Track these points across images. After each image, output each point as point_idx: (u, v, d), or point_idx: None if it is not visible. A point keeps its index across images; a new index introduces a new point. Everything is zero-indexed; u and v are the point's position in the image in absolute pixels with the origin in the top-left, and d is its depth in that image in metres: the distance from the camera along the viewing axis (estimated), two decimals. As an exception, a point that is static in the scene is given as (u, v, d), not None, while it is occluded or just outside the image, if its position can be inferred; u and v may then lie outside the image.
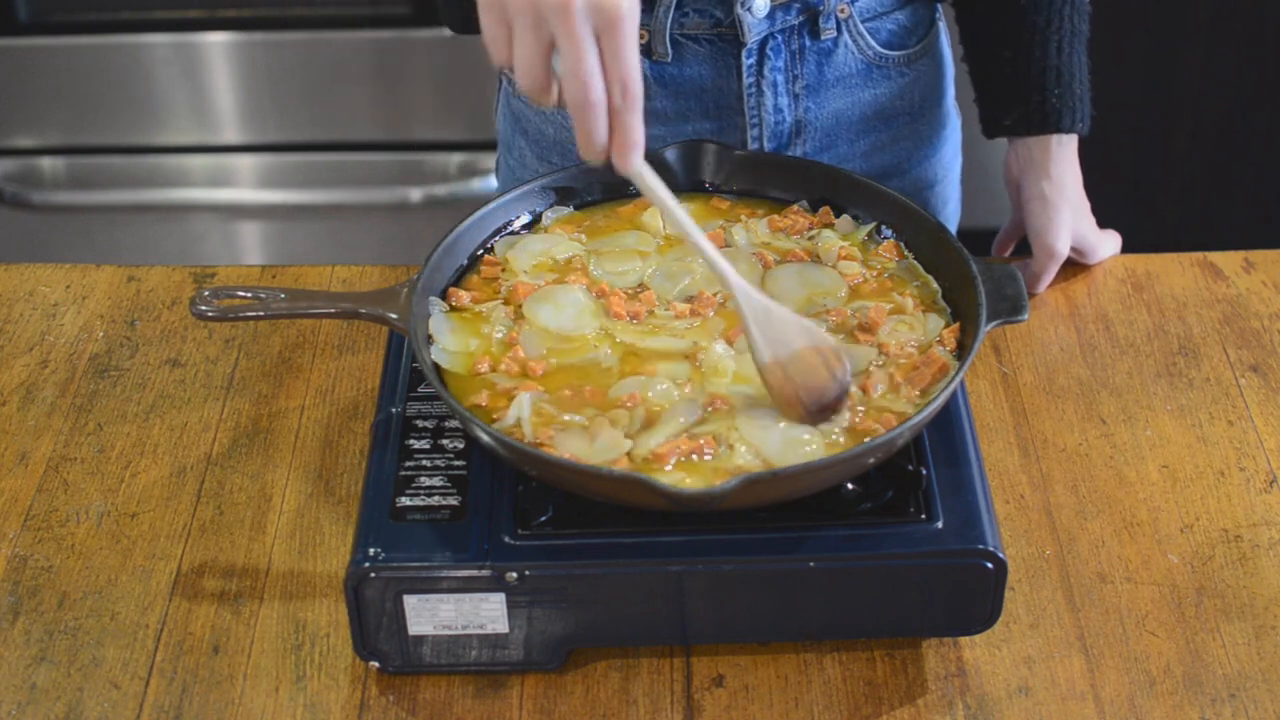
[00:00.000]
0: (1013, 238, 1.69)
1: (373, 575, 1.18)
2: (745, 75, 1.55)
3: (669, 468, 1.18)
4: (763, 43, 1.54)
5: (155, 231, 2.99)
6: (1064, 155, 1.58)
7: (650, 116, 1.56)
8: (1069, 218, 1.58)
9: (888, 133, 1.64)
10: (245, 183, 2.96)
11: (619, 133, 1.14)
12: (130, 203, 2.96)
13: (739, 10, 1.51)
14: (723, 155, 1.46)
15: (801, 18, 1.54)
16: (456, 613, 1.20)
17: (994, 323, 1.27)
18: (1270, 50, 2.79)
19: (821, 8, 1.53)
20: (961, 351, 1.28)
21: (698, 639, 1.25)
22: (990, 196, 2.24)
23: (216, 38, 2.83)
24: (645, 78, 1.54)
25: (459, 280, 1.37)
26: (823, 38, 1.55)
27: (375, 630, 1.21)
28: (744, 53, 1.54)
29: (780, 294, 1.34)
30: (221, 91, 2.88)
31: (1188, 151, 2.88)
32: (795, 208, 1.43)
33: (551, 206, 1.43)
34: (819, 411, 1.21)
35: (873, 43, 1.58)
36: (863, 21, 1.56)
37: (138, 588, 1.31)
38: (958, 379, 1.23)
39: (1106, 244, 1.63)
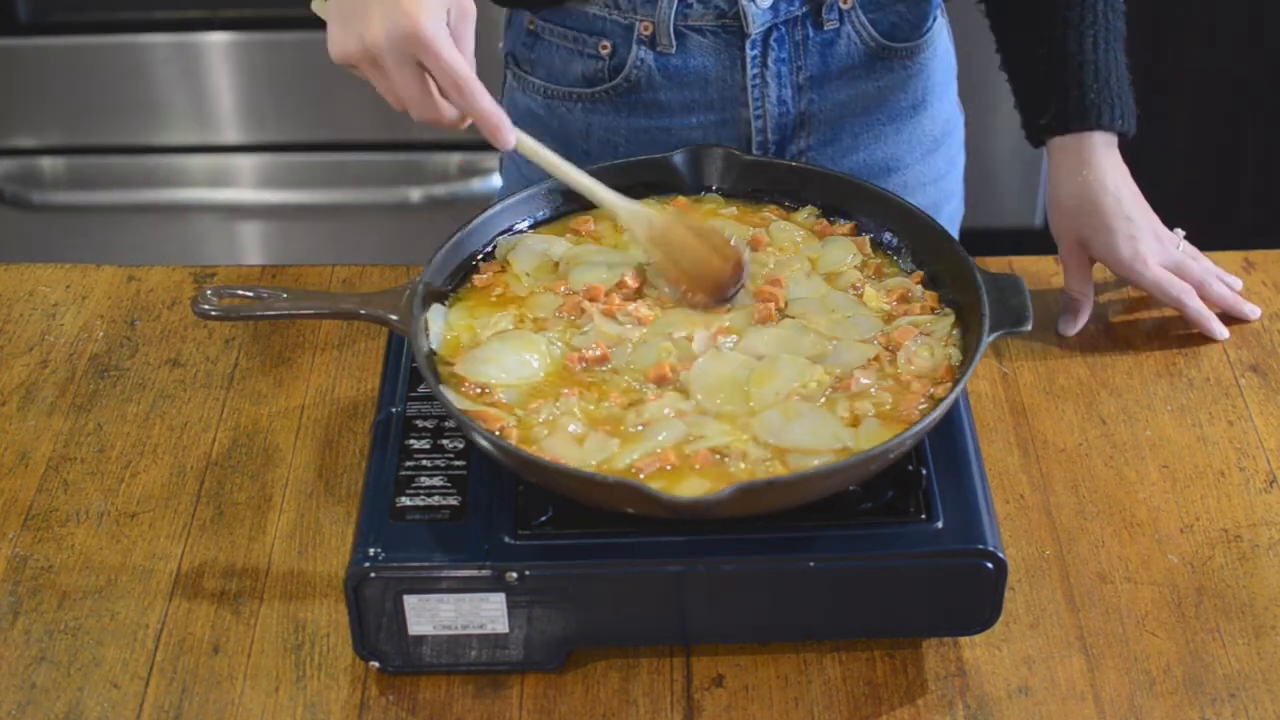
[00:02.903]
0: (1081, 294, 1.57)
1: (373, 575, 1.18)
2: (749, 67, 1.55)
3: (643, 476, 1.18)
4: (766, 34, 1.54)
5: (155, 231, 2.99)
6: (1111, 161, 1.52)
7: (654, 108, 1.57)
8: (1147, 231, 1.53)
9: (890, 126, 1.64)
10: (245, 183, 2.96)
11: (478, 121, 1.28)
12: (130, 203, 2.95)
13: (742, 1, 1.51)
14: (730, 159, 1.46)
15: (805, 8, 1.54)
16: (456, 613, 1.20)
17: (996, 333, 1.26)
18: (1270, 50, 2.79)
19: None
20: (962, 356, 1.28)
21: (698, 639, 1.25)
22: (992, 196, 2.25)
23: (216, 38, 2.83)
24: (649, 69, 1.55)
25: (461, 281, 1.37)
26: (825, 28, 1.56)
27: (375, 630, 1.21)
28: (748, 44, 1.54)
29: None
30: (221, 91, 2.88)
31: (1188, 151, 2.88)
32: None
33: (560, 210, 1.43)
34: (719, 298, 1.33)
35: (874, 33, 1.58)
36: (864, 12, 1.57)
37: (138, 588, 1.31)
38: (959, 388, 1.22)
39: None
